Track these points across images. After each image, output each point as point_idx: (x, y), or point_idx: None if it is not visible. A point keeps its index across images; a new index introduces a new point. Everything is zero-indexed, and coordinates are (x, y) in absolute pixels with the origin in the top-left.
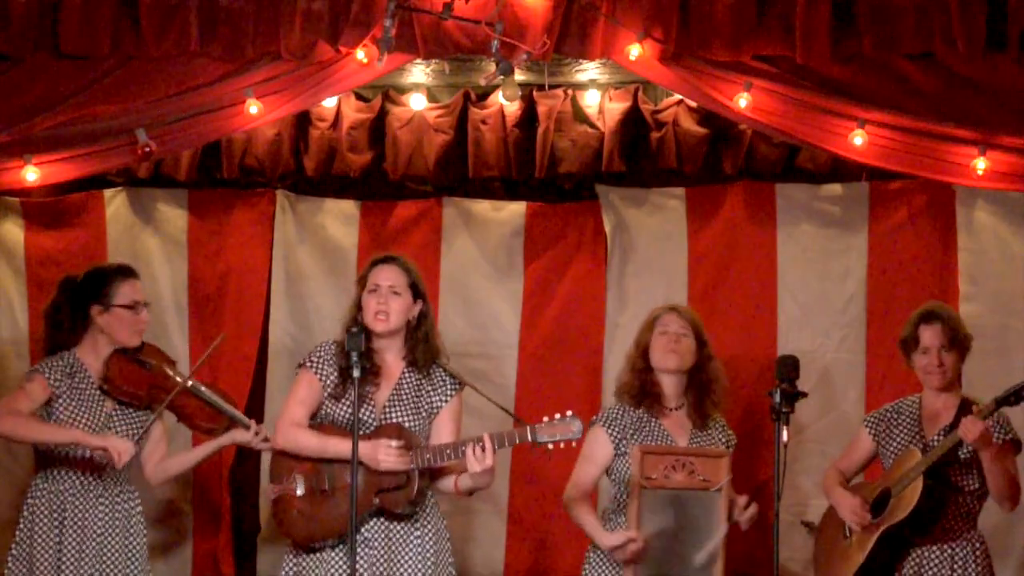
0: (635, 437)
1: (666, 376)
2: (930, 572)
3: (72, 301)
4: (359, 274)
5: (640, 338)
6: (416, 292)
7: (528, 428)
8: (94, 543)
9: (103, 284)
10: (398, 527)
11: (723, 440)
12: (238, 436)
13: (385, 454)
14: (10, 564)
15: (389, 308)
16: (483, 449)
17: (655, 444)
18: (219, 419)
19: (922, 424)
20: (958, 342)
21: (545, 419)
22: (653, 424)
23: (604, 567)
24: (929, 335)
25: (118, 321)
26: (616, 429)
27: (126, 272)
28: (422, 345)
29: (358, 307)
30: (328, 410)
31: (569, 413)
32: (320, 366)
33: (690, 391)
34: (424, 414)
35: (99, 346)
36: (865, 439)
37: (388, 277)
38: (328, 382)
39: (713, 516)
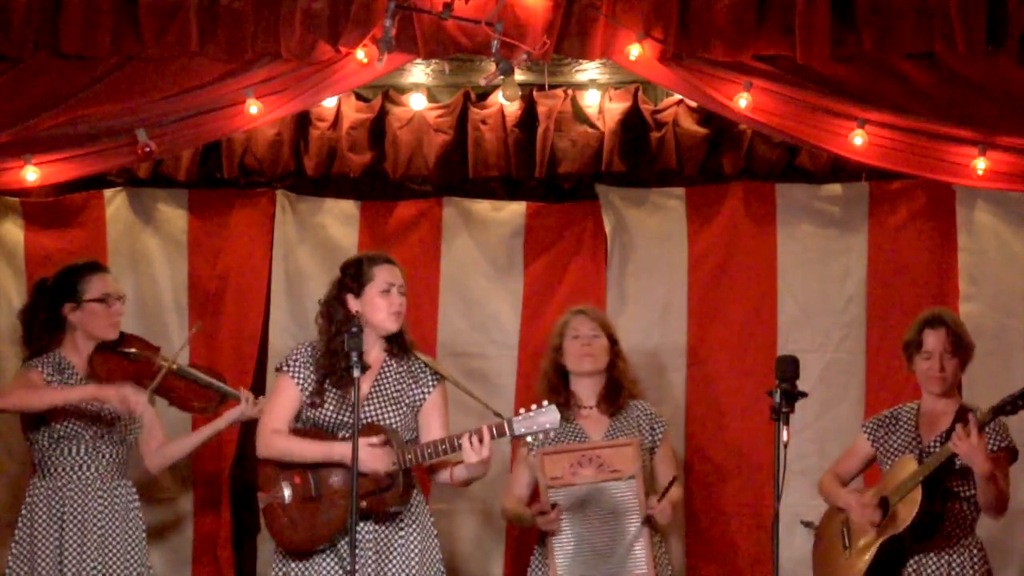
0: (552, 441)
1: (582, 379)
2: None
3: (46, 303)
4: (352, 270)
5: (552, 343)
6: None
7: (505, 421)
8: (95, 538)
9: (73, 281)
10: (386, 530)
11: (647, 425)
12: (234, 415)
13: (367, 453)
14: (10, 563)
15: (402, 308)
16: (480, 441)
17: (556, 444)
18: (209, 396)
19: (919, 430)
20: (961, 348)
21: (522, 411)
22: (569, 426)
23: (544, 566)
24: (933, 339)
25: (91, 316)
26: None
27: (95, 267)
28: (399, 338)
29: (342, 303)
30: (308, 413)
31: (545, 402)
32: (296, 369)
33: (605, 389)
34: (405, 408)
35: (79, 344)
36: (863, 444)
37: (398, 277)
38: (306, 385)
39: (630, 503)
